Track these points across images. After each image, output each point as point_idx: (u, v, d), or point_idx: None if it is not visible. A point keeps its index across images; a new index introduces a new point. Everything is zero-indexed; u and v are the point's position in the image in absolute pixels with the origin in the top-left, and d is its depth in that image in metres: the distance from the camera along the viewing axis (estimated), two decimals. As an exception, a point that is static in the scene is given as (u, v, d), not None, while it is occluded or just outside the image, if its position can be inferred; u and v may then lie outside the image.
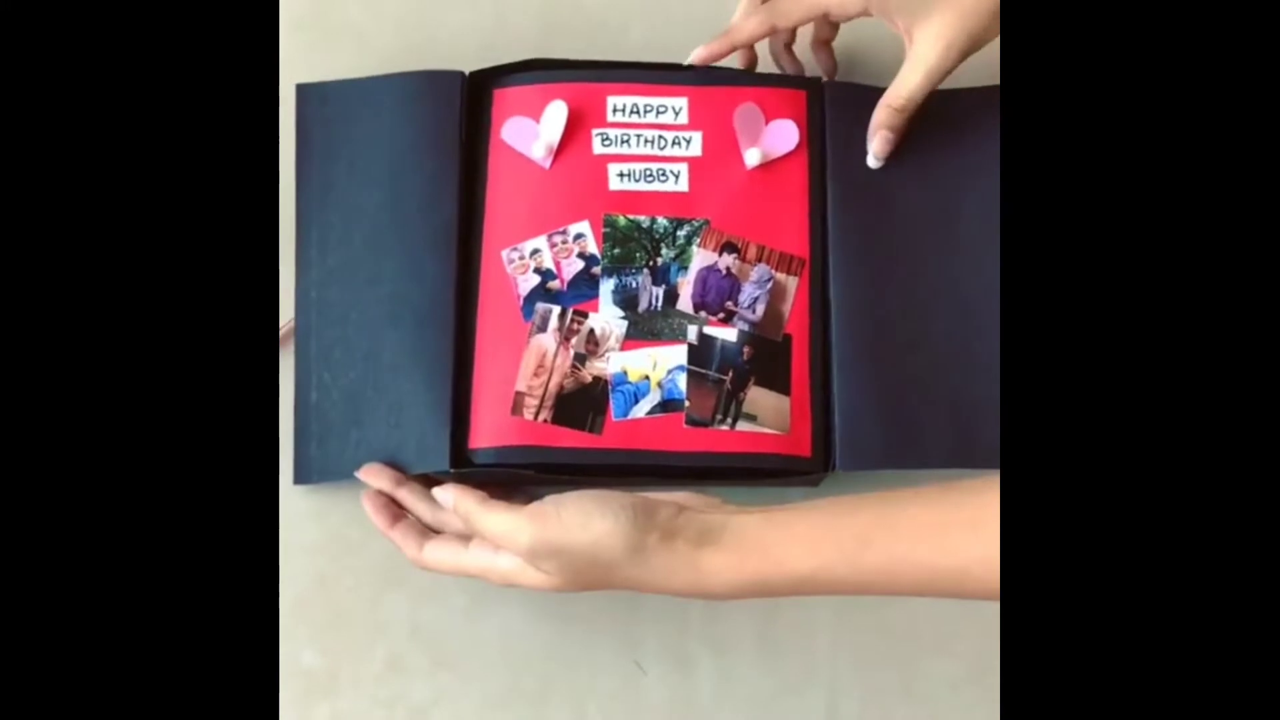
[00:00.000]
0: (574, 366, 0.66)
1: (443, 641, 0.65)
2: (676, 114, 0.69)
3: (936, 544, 0.51)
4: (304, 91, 0.71)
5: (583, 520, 0.54)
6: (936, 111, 0.67)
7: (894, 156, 0.68)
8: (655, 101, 0.69)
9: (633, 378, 0.65)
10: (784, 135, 0.69)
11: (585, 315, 0.66)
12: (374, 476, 0.65)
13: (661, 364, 0.66)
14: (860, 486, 0.65)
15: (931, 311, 0.67)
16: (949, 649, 0.62)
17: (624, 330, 0.66)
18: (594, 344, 0.66)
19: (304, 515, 0.67)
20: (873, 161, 0.68)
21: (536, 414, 0.65)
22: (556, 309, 0.67)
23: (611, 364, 0.66)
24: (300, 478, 0.67)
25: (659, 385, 0.65)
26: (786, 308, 0.67)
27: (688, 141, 0.69)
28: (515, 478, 0.68)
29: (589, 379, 0.66)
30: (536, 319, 0.67)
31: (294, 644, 0.65)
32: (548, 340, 0.66)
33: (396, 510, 0.64)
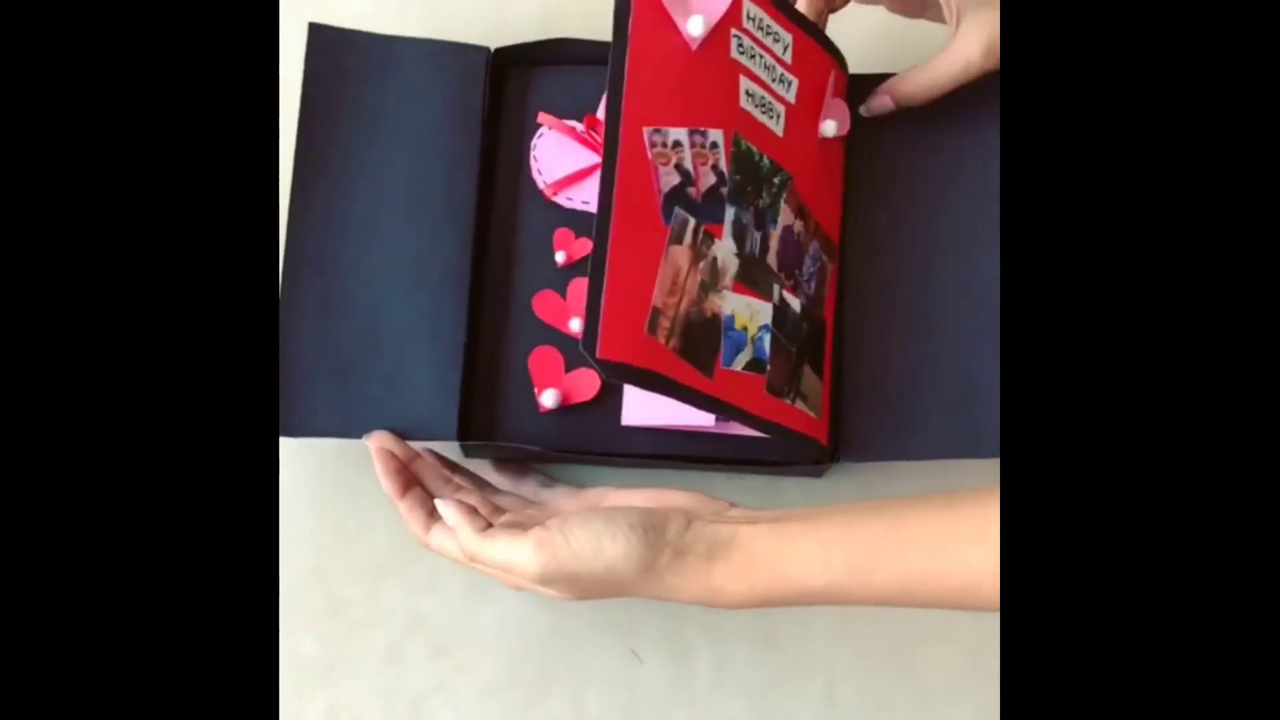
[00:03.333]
0: (699, 294, 0.56)
1: (441, 630, 0.65)
2: (784, 49, 0.63)
3: (946, 557, 0.53)
4: (318, 33, 0.65)
5: (594, 546, 0.53)
6: (951, 102, 0.67)
7: (905, 150, 0.68)
8: (774, 26, 0.63)
9: (738, 325, 0.58)
10: (843, 116, 0.67)
11: (713, 239, 0.57)
12: (384, 443, 0.60)
13: (755, 318, 0.60)
14: (864, 475, 0.67)
15: (941, 306, 0.66)
16: (947, 636, 0.66)
17: (736, 269, 0.59)
18: (713, 275, 0.57)
19: (302, 505, 0.66)
20: (863, 110, 0.67)
21: (668, 338, 0.55)
22: (693, 221, 0.57)
23: (728, 303, 0.58)
24: (286, 429, 0.61)
25: (752, 341, 0.59)
26: (825, 291, 0.65)
27: (789, 84, 0.63)
28: (523, 454, 0.62)
29: (709, 313, 0.57)
30: (675, 226, 0.56)
31: (292, 633, 0.64)
32: (683, 256, 0.56)
33: (409, 478, 0.60)
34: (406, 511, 0.58)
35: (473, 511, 0.56)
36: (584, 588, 0.54)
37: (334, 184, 0.64)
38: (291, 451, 0.66)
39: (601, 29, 0.66)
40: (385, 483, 0.59)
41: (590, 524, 0.53)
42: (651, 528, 0.53)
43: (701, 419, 0.61)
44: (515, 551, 0.53)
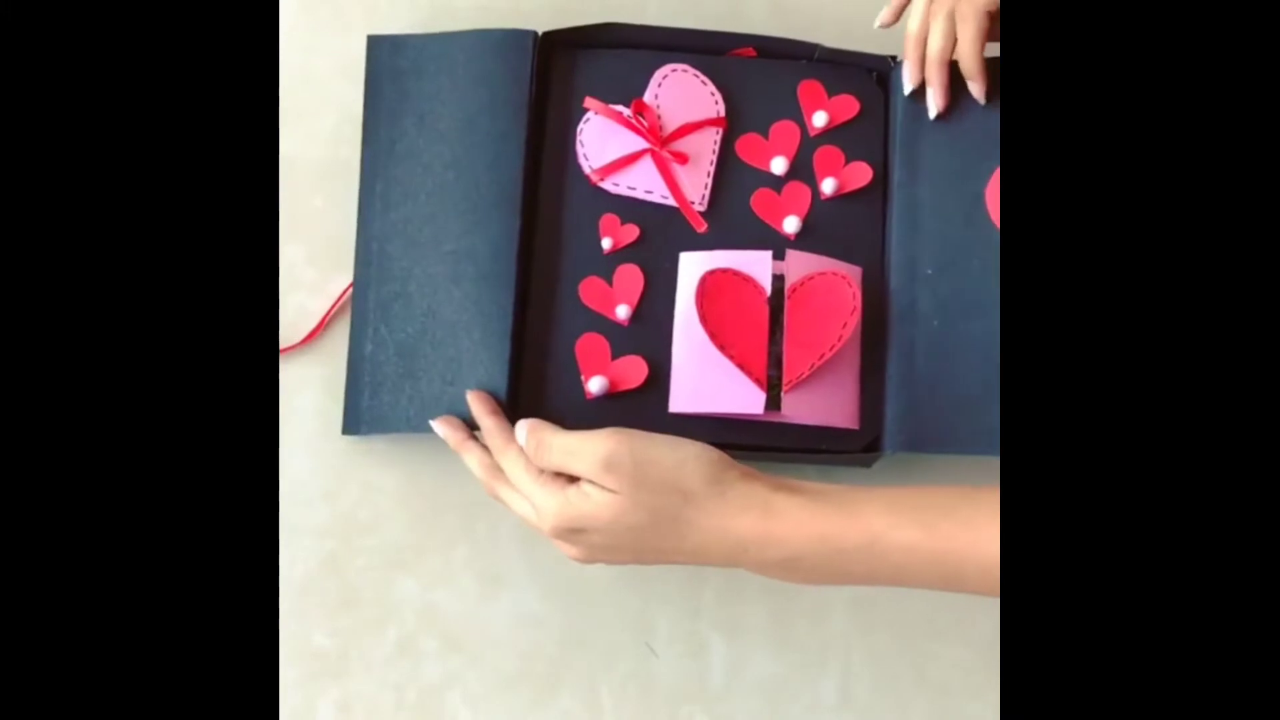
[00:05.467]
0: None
1: (454, 623, 0.65)
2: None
3: None
4: (375, 43, 0.67)
5: (671, 442, 0.54)
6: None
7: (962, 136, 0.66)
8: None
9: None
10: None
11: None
12: (450, 425, 0.61)
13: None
14: (916, 466, 0.66)
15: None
16: (961, 636, 0.65)
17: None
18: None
19: (315, 496, 0.65)
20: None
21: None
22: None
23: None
24: (349, 427, 0.65)
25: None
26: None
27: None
28: None
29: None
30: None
31: (304, 625, 0.64)
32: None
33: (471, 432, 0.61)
34: (474, 445, 0.60)
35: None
36: (645, 485, 0.52)
37: (395, 188, 0.65)
38: (303, 444, 0.65)
39: (654, 14, 0.68)
40: (450, 435, 0.60)
41: (666, 435, 0.54)
42: (722, 455, 0.54)
43: (748, 406, 0.61)
44: (589, 435, 0.54)
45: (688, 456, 0.53)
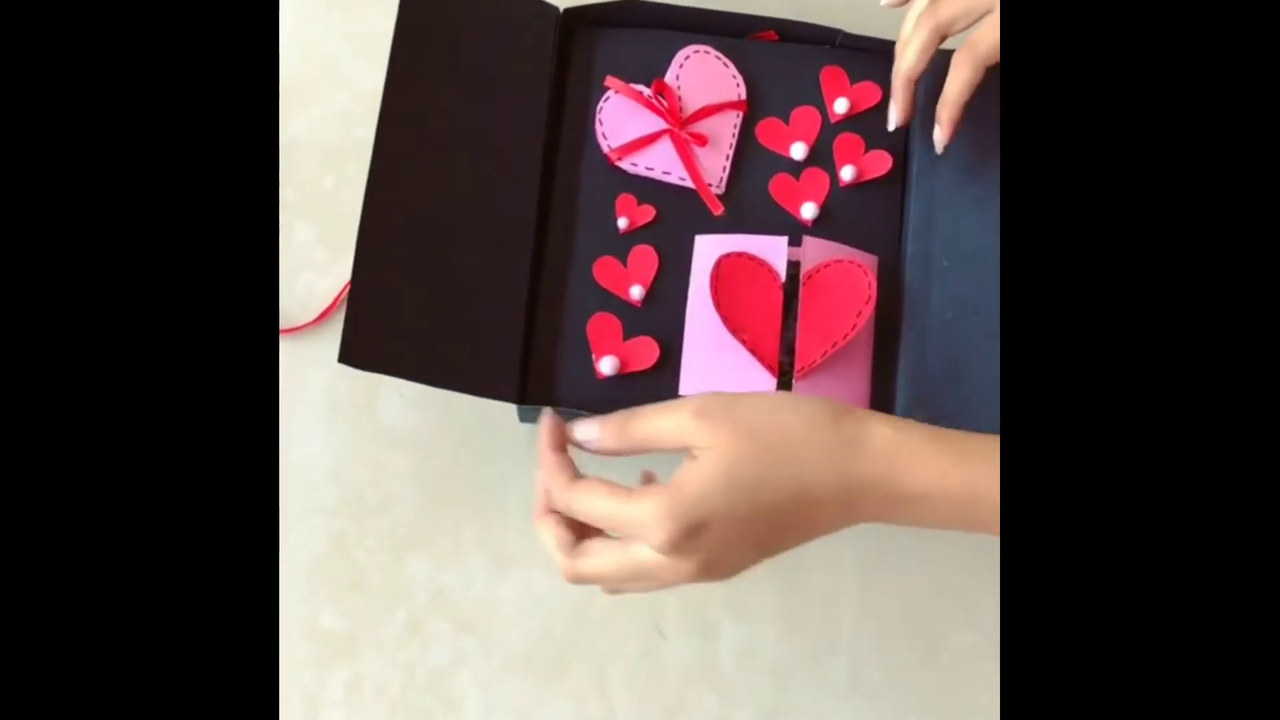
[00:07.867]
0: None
1: (464, 605, 0.64)
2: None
3: None
4: None
5: (772, 399, 0.49)
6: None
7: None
8: None
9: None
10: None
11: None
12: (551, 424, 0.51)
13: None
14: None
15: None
16: (971, 619, 0.65)
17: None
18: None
19: (324, 477, 0.65)
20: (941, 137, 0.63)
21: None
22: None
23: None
24: (345, 356, 0.56)
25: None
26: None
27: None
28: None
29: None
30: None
31: (314, 606, 0.64)
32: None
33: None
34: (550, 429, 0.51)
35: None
36: (744, 432, 0.47)
37: (413, 136, 0.62)
38: (313, 425, 0.65)
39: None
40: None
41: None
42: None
43: (760, 389, 0.61)
44: (674, 405, 0.48)
45: (798, 408, 0.48)
